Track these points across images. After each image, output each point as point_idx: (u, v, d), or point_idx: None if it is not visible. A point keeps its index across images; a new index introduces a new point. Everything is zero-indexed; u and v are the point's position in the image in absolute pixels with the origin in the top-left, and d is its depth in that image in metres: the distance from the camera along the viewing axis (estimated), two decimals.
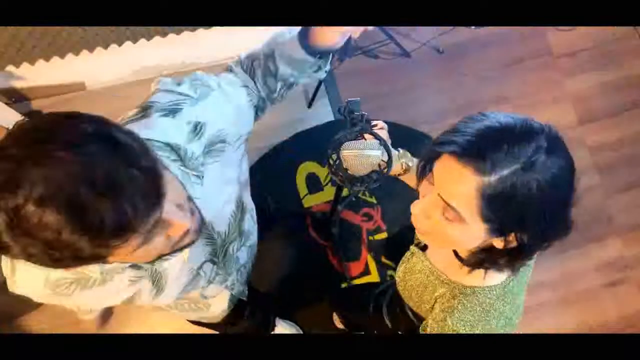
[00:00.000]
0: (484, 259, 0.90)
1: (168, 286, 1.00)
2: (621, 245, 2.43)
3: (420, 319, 1.17)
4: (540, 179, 0.76)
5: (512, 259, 0.88)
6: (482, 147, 0.77)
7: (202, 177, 0.94)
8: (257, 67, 1.11)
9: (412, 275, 1.18)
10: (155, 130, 0.88)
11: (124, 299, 0.96)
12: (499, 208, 0.78)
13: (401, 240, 2.21)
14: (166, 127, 0.90)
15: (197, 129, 0.93)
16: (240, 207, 1.13)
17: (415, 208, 0.90)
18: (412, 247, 1.20)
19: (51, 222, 0.57)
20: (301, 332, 2.15)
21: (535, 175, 0.75)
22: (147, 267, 0.93)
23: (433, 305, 1.09)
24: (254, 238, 1.26)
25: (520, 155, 0.76)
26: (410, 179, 1.19)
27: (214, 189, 0.98)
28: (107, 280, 0.88)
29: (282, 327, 2.08)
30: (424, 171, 0.89)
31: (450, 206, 0.82)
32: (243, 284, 1.33)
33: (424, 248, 1.17)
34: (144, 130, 0.86)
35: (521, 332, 0.89)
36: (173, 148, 0.89)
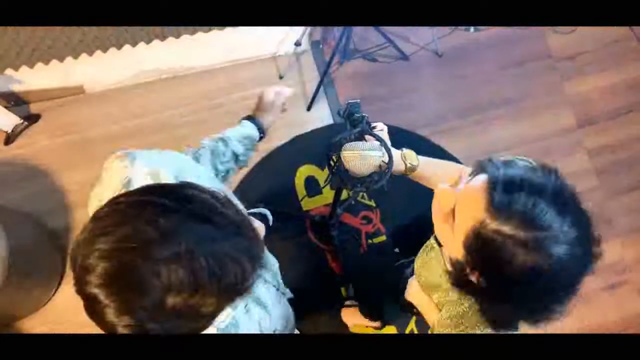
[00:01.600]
0: (459, 280, 0.89)
1: (264, 299, 1.03)
2: (620, 248, 2.43)
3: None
4: (538, 265, 0.72)
5: (480, 298, 0.88)
6: (510, 191, 0.74)
7: None
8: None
9: (426, 271, 1.19)
10: None
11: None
12: (479, 251, 0.77)
13: (400, 244, 2.21)
14: None
15: (154, 176, 0.93)
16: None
17: (439, 189, 0.90)
18: (432, 240, 1.20)
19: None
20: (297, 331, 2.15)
21: (533, 258, 0.72)
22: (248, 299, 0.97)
23: (440, 303, 1.10)
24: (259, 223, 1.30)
25: (535, 226, 0.72)
26: (419, 178, 1.19)
27: None
28: (238, 319, 0.92)
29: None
30: (474, 172, 0.88)
31: (453, 214, 0.83)
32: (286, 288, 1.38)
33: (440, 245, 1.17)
34: None
35: (519, 332, 0.88)
36: None
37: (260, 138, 1.30)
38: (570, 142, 2.55)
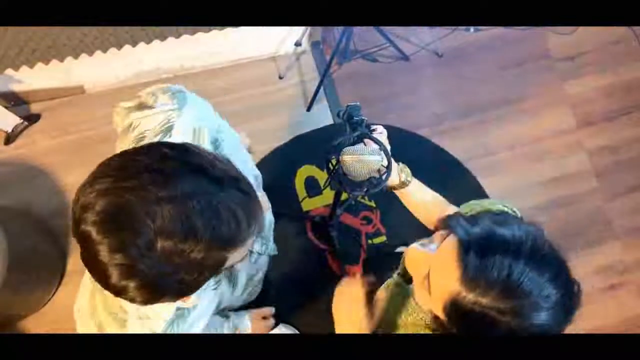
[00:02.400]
0: (443, 328, 0.88)
1: (239, 277, 1.03)
2: (620, 249, 2.43)
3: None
4: (521, 328, 0.71)
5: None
6: (483, 257, 0.72)
7: None
8: None
9: (393, 307, 1.17)
10: None
11: (213, 308, 1.01)
12: (460, 320, 0.76)
13: (400, 245, 2.21)
14: None
15: (195, 134, 0.94)
16: (259, 177, 1.20)
17: (412, 251, 0.88)
18: (396, 278, 1.19)
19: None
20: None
21: (516, 323, 0.70)
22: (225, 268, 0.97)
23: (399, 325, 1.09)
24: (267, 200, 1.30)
25: (515, 295, 0.70)
26: (406, 198, 1.19)
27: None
28: (200, 299, 0.91)
29: (280, 331, 2.07)
30: (445, 228, 0.85)
31: (429, 283, 0.81)
32: (272, 242, 1.38)
33: (408, 281, 1.16)
34: None
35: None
36: None
37: None
38: (570, 143, 2.55)
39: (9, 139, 2.29)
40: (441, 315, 0.80)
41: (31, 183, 2.28)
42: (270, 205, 1.29)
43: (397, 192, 1.21)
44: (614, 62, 2.67)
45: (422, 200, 1.18)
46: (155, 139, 0.91)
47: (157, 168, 0.62)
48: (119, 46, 1.94)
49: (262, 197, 1.13)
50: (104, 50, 1.95)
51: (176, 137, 0.91)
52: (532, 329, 0.71)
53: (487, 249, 0.72)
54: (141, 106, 0.97)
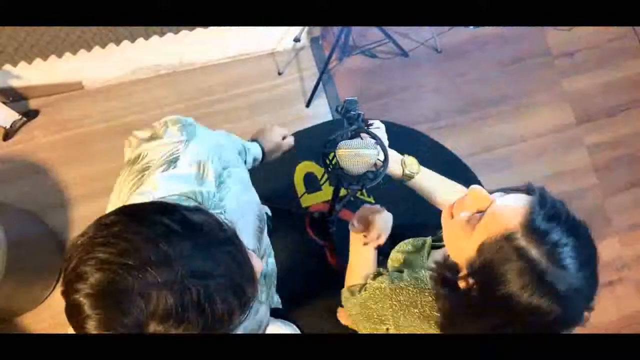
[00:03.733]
0: (443, 277, 0.89)
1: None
2: (619, 245, 2.43)
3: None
4: (533, 303, 0.72)
5: (452, 302, 0.87)
6: (552, 220, 0.74)
7: (225, 211, 0.94)
8: None
9: (405, 254, 1.21)
10: (165, 188, 0.87)
11: None
12: (491, 261, 0.76)
13: (399, 239, 2.21)
14: (174, 180, 0.89)
15: (200, 168, 0.93)
16: (263, 221, 1.15)
17: (475, 189, 0.88)
18: (429, 240, 1.20)
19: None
20: (299, 331, 2.15)
21: (537, 289, 0.72)
22: None
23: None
24: (270, 245, 1.27)
25: (557, 261, 0.71)
26: (418, 188, 1.19)
27: (237, 215, 0.98)
28: None
29: (278, 327, 2.07)
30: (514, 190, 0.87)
31: (480, 218, 0.82)
32: (276, 294, 1.35)
33: (435, 247, 1.16)
34: (153, 192, 0.86)
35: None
36: (190, 197, 0.88)
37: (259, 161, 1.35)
38: (569, 139, 2.55)
39: (8, 135, 2.29)
40: (469, 253, 0.80)
41: (30, 179, 2.28)
42: (272, 252, 1.27)
43: (407, 184, 1.20)
44: (613, 59, 2.67)
45: (435, 190, 1.18)
46: (159, 170, 0.89)
47: (161, 248, 0.60)
48: (118, 42, 1.94)
49: (262, 244, 1.12)
50: (103, 46, 1.94)
51: (180, 170, 0.90)
52: (540, 304, 0.72)
53: (559, 215, 0.76)
54: (153, 137, 0.96)
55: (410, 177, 1.16)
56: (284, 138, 1.41)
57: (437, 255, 1.11)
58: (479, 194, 0.86)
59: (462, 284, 0.82)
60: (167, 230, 0.62)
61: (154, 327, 0.59)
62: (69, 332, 0.68)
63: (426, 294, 1.01)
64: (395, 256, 1.25)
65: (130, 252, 0.59)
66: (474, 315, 0.82)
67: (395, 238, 2.19)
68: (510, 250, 0.73)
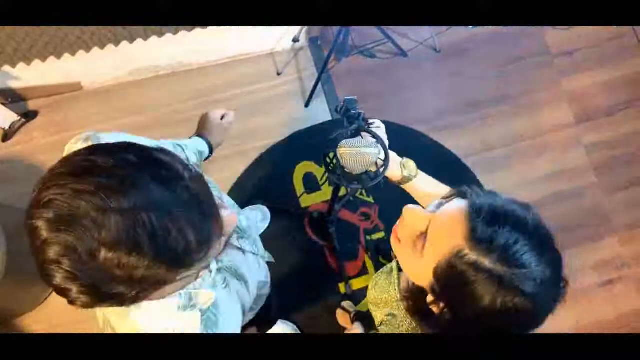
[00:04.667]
0: (417, 308, 0.88)
1: (245, 273, 1.04)
2: (618, 244, 2.43)
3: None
4: (506, 304, 0.71)
5: (433, 325, 0.85)
6: (493, 224, 0.72)
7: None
8: None
9: (380, 291, 1.17)
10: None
11: (240, 312, 1.02)
12: (451, 281, 0.75)
13: None
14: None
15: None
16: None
17: (410, 210, 0.87)
18: (394, 264, 1.19)
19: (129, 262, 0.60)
20: (299, 331, 2.15)
21: (504, 296, 0.70)
22: (223, 267, 0.97)
23: (380, 323, 1.10)
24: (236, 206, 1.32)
25: (514, 263, 0.70)
26: (413, 191, 1.18)
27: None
28: (218, 298, 0.91)
29: (279, 327, 2.07)
30: (451, 196, 0.86)
31: (425, 239, 0.81)
32: (265, 250, 1.38)
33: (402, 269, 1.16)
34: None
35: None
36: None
37: (208, 157, 1.32)
38: (568, 138, 2.55)
39: (7, 136, 2.29)
40: (428, 278, 0.79)
41: (29, 180, 2.25)
42: (243, 211, 1.30)
43: (404, 187, 1.19)
44: (612, 58, 2.67)
45: (430, 193, 1.15)
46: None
47: (117, 174, 0.61)
48: (117, 43, 1.94)
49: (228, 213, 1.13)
50: (101, 47, 1.94)
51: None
52: (518, 305, 0.71)
53: (498, 217, 0.73)
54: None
55: (409, 179, 1.15)
56: (222, 118, 1.38)
57: (404, 278, 1.09)
58: (414, 214, 0.85)
59: (434, 309, 0.81)
60: (125, 161, 0.63)
61: (104, 254, 0.59)
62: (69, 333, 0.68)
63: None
64: (370, 294, 1.24)
65: (86, 177, 0.59)
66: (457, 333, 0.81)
67: None
68: (465, 267, 0.72)
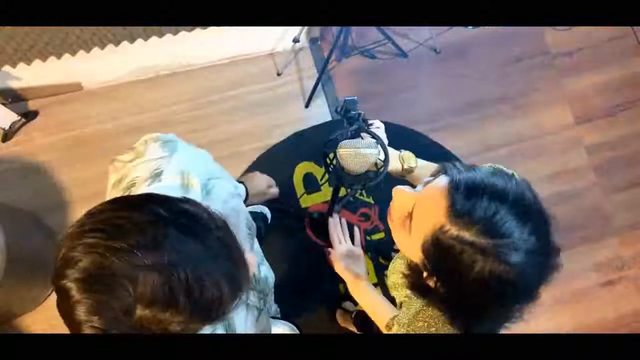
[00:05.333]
0: (416, 284, 0.89)
1: (238, 328, 1.01)
2: (618, 244, 2.43)
3: None
4: (494, 272, 0.71)
5: (437, 302, 0.87)
6: (471, 197, 0.73)
7: None
8: None
9: (391, 274, 1.19)
10: None
11: None
12: (437, 257, 0.76)
13: None
14: (160, 192, 0.90)
15: (184, 179, 0.93)
16: (253, 228, 1.15)
17: (397, 192, 0.88)
18: None
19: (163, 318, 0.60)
20: (297, 332, 2.15)
21: (491, 266, 0.71)
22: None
23: (400, 304, 1.12)
24: (261, 253, 1.28)
25: (496, 234, 0.71)
26: (417, 181, 1.18)
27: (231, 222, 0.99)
28: None
29: (278, 327, 2.07)
30: (436, 174, 0.88)
31: (411, 217, 0.82)
32: (275, 304, 1.35)
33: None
34: None
35: (517, 332, 0.89)
36: None
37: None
38: (568, 139, 2.55)
39: (7, 136, 2.29)
40: (419, 255, 0.81)
41: (28, 180, 2.28)
42: (264, 261, 1.27)
43: (407, 178, 1.20)
44: (612, 58, 2.67)
45: None
46: (145, 184, 0.90)
47: (149, 230, 0.60)
48: (117, 43, 1.94)
49: (253, 250, 1.12)
50: (102, 47, 1.94)
51: (166, 182, 0.91)
52: (506, 274, 0.71)
53: (476, 189, 0.74)
54: (135, 157, 0.97)
55: (410, 171, 1.16)
56: (269, 187, 1.42)
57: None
58: (401, 194, 0.86)
59: (430, 283, 0.83)
60: (155, 215, 0.62)
61: (141, 312, 0.58)
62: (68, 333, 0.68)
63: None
64: (390, 279, 1.25)
65: (118, 235, 0.59)
66: (456, 306, 0.82)
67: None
68: (449, 242, 0.73)
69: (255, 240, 1.18)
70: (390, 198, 0.91)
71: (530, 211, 0.74)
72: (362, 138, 1.09)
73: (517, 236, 0.71)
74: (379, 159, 1.07)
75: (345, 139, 1.07)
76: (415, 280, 0.88)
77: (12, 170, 2.29)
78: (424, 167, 1.18)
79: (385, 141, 1.13)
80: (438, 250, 0.75)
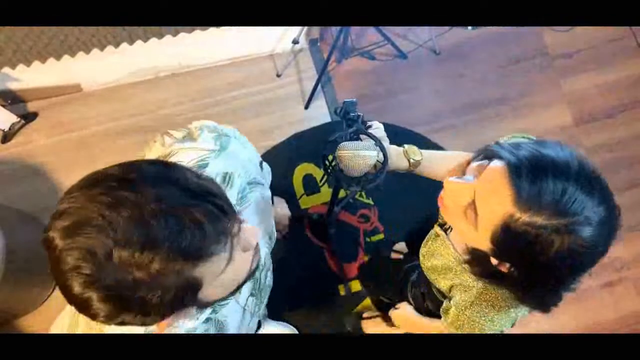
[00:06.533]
0: (484, 270, 0.89)
1: (230, 331, 1.00)
2: (618, 245, 2.43)
3: (444, 297, 1.19)
4: (571, 248, 0.71)
5: (509, 286, 0.87)
6: (536, 180, 0.72)
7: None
8: None
9: (434, 258, 1.18)
10: None
11: None
12: (511, 245, 0.76)
13: (398, 242, 2.21)
14: None
15: (225, 179, 0.93)
16: (273, 238, 1.15)
17: (451, 184, 0.87)
18: (437, 228, 1.19)
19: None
20: (296, 332, 2.15)
21: (568, 242, 0.71)
22: (212, 318, 0.93)
23: (451, 288, 1.11)
24: (269, 259, 1.26)
25: (567, 213, 0.70)
26: (425, 172, 1.18)
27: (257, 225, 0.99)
28: None
29: (277, 329, 2.06)
30: (479, 158, 0.86)
31: (475, 210, 0.81)
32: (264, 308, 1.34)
33: (447, 230, 1.16)
34: None
35: (518, 332, 0.89)
36: None
37: None
38: (567, 140, 2.55)
39: (6, 137, 2.29)
40: (487, 244, 0.80)
41: (28, 181, 2.28)
42: (271, 267, 1.26)
43: (415, 172, 1.19)
44: (611, 60, 2.67)
45: (442, 167, 1.15)
46: None
47: (127, 177, 0.61)
48: (116, 44, 1.94)
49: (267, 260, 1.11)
50: (101, 49, 1.94)
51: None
52: (583, 248, 0.72)
53: (538, 171, 0.73)
54: (186, 138, 0.96)
55: (417, 164, 1.15)
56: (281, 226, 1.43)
57: (456, 240, 1.11)
58: (455, 186, 0.85)
59: (502, 269, 0.83)
60: (133, 167, 0.64)
61: (118, 252, 0.58)
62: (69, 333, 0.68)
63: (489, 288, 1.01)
64: (427, 263, 1.24)
65: (97, 185, 0.60)
66: (532, 286, 0.83)
67: (393, 236, 2.21)
68: (522, 229, 0.73)
69: (270, 249, 1.17)
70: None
71: (592, 179, 0.74)
72: (362, 140, 1.09)
73: (589, 210, 0.71)
74: (378, 161, 1.07)
75: (345, 140, 1.07)
76: (482, 267, 0.87)
77: (12, 171, 2.29)
78: (429, 158, 1.16)
79: (387, 141, 1.13)
80: (511, 238, 0.75)
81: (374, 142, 1.08)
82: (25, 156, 2.31)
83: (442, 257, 1.15)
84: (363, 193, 2.37)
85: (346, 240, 2.32)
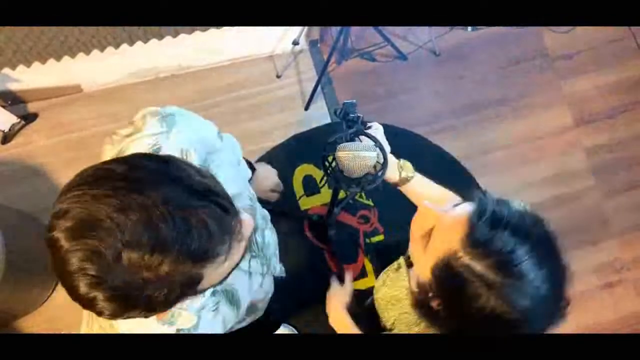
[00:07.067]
0: (420, 302, 0.88)
1: (242, 297, 1.01)
2: (617, 246, 2.43)
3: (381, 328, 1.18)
4: (495, 309, 0.70)
5: (435, 324, 0.86)
6: (494, 227, 0.71)
7: None
8: None
9: (387, 287, 1.18)
10: None
11: (219, 330, 0.98)
12: (444, 281, 0.76)
13: (398, 243, 2.21)
14: None
15: (183, 155, 0.93)
16: (254, 199, 1.15)
17: (424, 207, 0.88)
18: (401, 259, 1.19)
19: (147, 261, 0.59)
20: (296, 332, 2.15)
21: (494, 302, 0.69)
22: (219, 290, 0.94)
23: (394, 322, 1.11)
24: (268, 217, 1.27)
25: (507, 272, 0.69)
26: (410, 193, 1.18)
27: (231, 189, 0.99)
28: (200, 319, 0.89)
29: (279, 330, 2.07)
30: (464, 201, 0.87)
31: (429, 235, 0.81)
32: (279, 263, 1.36)
33: (410, 265, 1.16)
34: None
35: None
36: None
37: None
38: (567, 141, 2.56)
39: (6, 138, 2.29)
40: (428, 274, 0.80)
41: (28, 182, 2.28)
42: (269, 224, 1.27)
43: (400, 189, 1.19)
44: (612, 61, 2.68)
45: (428, 195, 1.14)
46: None
47: (132, 177, 0.61)
48: (116, 45, 1.94)
49: (256, 217, 1.11)
50: (101, 49, 1.95)
51: None
52: (509, 315, 0.69)
53: (500, 221, 0.72)
54: (133, 132, 0.97)
55: (407, 181, 1.15)
56: (273, 190, 1.44)
57: (413, 274, 1.10)
58: (425, 210, 0.86)
59: (433, 304, 0.81)
60: (139, 165, 0.64)
61: (128, 255, 0.58)
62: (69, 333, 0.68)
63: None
64: (380, 292, 1.24)
65: (102, 184, 0.60)
66: (454, 332, 0.81)
67: (393, 237, 2.20)
68: (459, 269, 0.72)
69: (259, 205, 1.18)
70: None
71: (550, 257, 0.72)
72: (361, 141, 1.09)
73: (530, 280, 0.68)
74: (378, 162, 1.07)
75: (345, 141, 1.07)
76: (419, 298, 0.86)
77: (12, 172, 2.29)
78: (421, 182, 1.16)
79: (386, 145, 1.13)
80: (446, 274, 0.74)
81: (373, 143, 1.08)
82: (25, 157, 2.31)
83: (395, 288, 1.15)
84: (363, 194, 2.37)
85: (346, 241, 2.32)
